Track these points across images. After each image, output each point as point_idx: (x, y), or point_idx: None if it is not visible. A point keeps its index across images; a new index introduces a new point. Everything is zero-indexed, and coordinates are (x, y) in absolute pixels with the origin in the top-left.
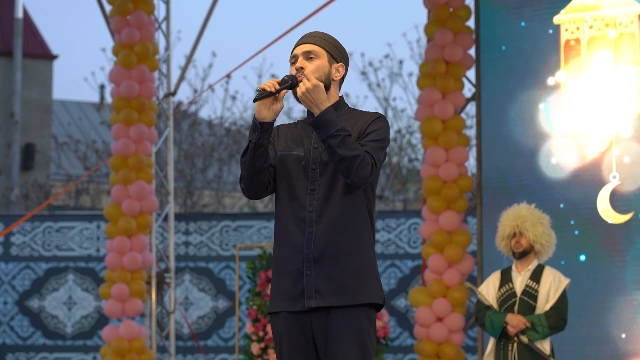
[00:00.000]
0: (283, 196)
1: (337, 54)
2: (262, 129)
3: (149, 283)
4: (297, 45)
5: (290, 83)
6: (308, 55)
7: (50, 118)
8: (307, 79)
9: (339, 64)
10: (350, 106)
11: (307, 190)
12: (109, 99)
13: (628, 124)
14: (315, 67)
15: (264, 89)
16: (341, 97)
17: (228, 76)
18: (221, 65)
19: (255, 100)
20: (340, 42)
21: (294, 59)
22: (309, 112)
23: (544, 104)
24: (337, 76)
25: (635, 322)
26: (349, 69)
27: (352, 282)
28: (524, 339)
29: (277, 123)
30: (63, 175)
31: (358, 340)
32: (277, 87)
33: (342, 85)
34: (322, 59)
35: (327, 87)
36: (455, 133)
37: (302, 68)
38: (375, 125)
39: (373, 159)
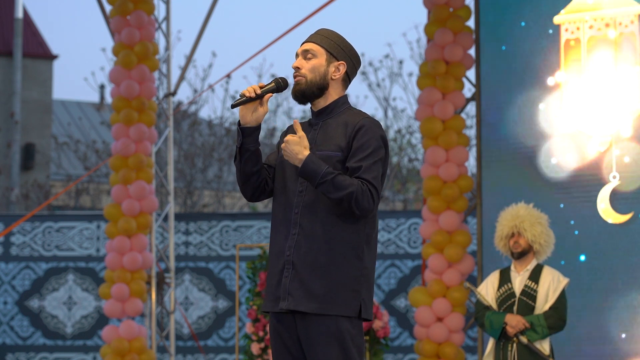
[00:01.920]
0: (277, 197)
1: (338, 52)
2: (244, 134)
3: (149, 283)
4: (301, 44)
5: (276, 86)
6: (306, 55)
7: (50, 118)
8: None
9: (339, 62)
10: (351, 105)
11: (296, 192)
12: (109, 99)
13: (628, 124)
14: (311, 67)
15: (243, 94)
16: (343, 96)
17: (228, 76)
18: (221, 65)
19: (232, 106)
20: (346, 40)
21: (296, 57)
22: (312, 111)
23: (544, 104)
24: (336, 75)
25: (635, 322)
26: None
27: (327, 292)
28: (524, 339)
29: (277, 123)
30: (63, 175)
31: (339, 343)
32: (258, 92)
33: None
34: (320, 58)
35: (325, 87)
36: (455, 133)
37: (298, 68)
38: (362, 139)
39: (370, 183)
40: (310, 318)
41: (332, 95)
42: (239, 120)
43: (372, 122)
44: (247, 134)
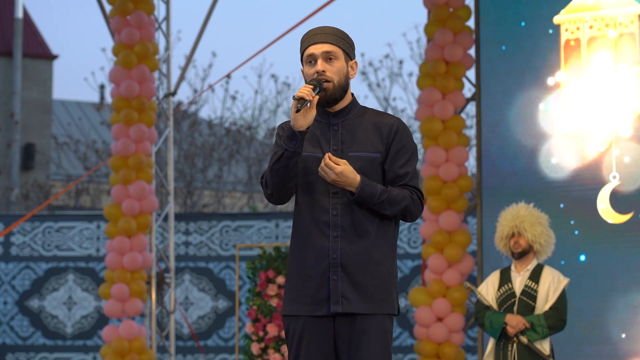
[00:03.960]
0: (303, 199)
1: (351, 51)
2: (301, 137)
3: (149, 283)
4: (312, 42)
5: (319, 88)
6: (327, 56)
7: (50, 118)
8: (329, 168)
9: (353, 61)
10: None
11: (329, 194)
12: (109, 99)
13: (628, 124)
14: (336, 70)
15: (302, 98)
16: (352, 95)
17: (228, 76)
18: (221, 65)
19: (298, 111)
20: (349, 36)
21: (311, 58)
22: (327, 112)
23: (544, 104)
24: (352, 74)
25: (635, 322)
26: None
27: (379, 292)
28: (524, 339)
29: (278, 123)
30: (63, 175)
31: (382, 340)
32: (313, 94)
33: None
34: (341, 60)
35: (346, 88)
36: (455, 133)
37: (323, 71)
38: (400, 142)
39: (418, 190)
40: (357, 318)
41: (349, 95)
42: (291, 124)
43: (406, 126)
44: (303, 138)
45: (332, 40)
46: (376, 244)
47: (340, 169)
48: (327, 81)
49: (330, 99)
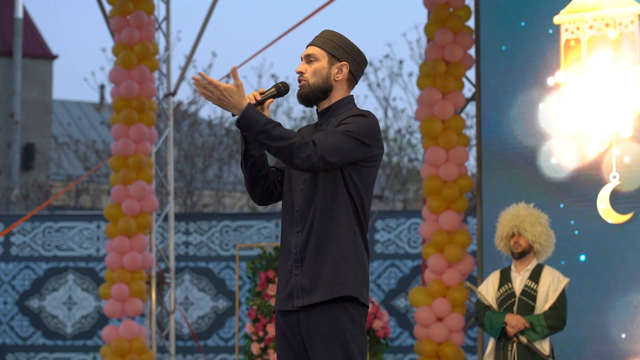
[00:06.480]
0: (285, 198)
1: (340, 53)
2: (246, 141)
3: (149, 283)
4: (306, 46)
5: (277, 91)
6: (308, 59)
7: (50, 118)
8: (213, 85)
9: (342, 63)
10: (355, 105)
11: (298, 191)
12: (109, 99)
13: (628, 124)
14: (313, 71)
15: None
16: (348, 96)
17: (228, 76)
18: (221, 65)
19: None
20: (348, 40)
21: (301, 60)
22: (317, 112)
23: (544, 104)
24: (339, 76)
25: (635, 322)
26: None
27: (328, 275)
28: (523, 339)
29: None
30: (63, 175)
31: (339, 341)
32: (258, 98)
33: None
34: (322, 61)
35: (329, 89)
36: (455, 133)
37: (301, 72)
38: (349, 120)
39: (314, 142)
40: (312, 314)
41: (336, 96)
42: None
43: (367, 113)
44: (250, 140)
45: (318, 42)
46: (327, 231)
47: (226, 86)
48: (303, 81)
49: (304, 98)
